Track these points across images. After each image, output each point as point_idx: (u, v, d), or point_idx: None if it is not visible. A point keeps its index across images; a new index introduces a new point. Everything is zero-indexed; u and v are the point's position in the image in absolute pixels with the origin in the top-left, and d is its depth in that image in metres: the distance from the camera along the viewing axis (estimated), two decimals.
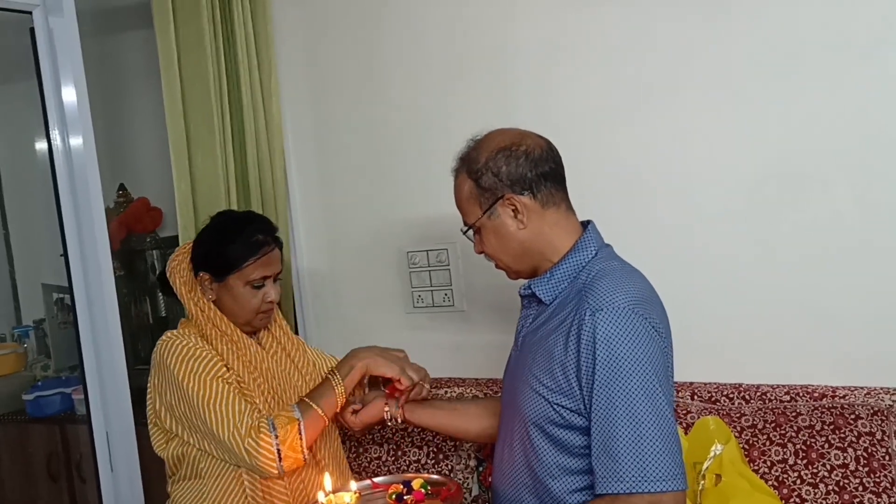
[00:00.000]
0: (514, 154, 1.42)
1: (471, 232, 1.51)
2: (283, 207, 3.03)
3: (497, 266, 1.52)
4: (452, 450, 2.72)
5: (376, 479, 1.84)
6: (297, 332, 3.19)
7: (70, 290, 2.52)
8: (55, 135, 2.46)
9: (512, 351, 1.56)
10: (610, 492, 1.26)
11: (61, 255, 3.18)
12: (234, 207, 2.77)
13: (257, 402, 1.76)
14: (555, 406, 1.34)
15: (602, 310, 1.30)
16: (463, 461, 2.68)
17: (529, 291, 1.48)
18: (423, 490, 1.68)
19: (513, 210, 1.42)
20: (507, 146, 1.43)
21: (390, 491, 1.71)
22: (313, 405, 1.70)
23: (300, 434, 1.65)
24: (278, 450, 1.63)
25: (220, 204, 2.67)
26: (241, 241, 1.80)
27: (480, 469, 2.66)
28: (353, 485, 1.77)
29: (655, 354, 1.30)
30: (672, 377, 1.39)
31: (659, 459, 1.24)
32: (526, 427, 1.39)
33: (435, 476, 1.82)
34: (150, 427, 1.83)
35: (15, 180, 4.04)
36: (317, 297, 3.28)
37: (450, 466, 2.66)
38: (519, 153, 1.42)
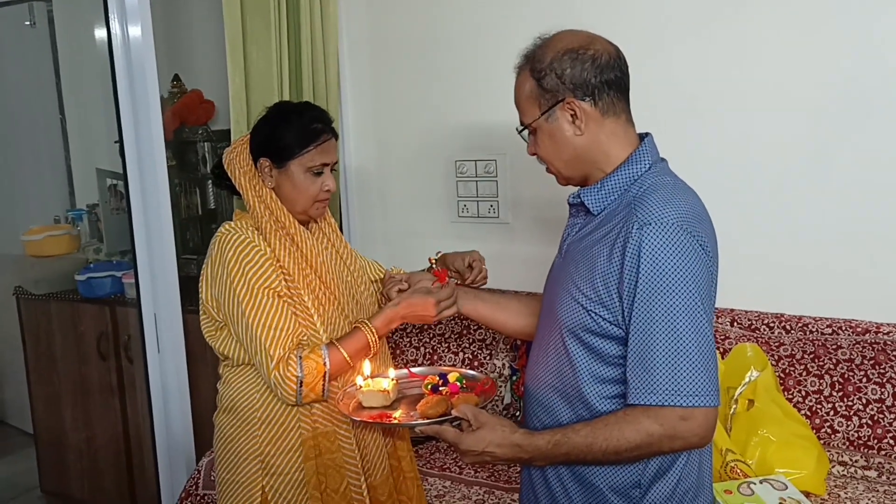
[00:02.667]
0: (580, 57, 1.38)
1: (526, 132, 1.48)
2: (335, 107, 3.02)
3: (548, 170, 1.50)
4: (488, 357, 2.77)
5: (413, 370, 1.88)
6: (341, 230, 3.23)
7: (124, 176, 2.57)
8: (114, 24, 2.47)
9: (555, 258, 1.56)
10: (642, 402, 1.27)
11: (116, 142, 3.24)
12: None
13: (305, 298, 1.77)
14: (592, 315, 1.34)
15: (650, 224, 1.29)
16: (497, 370, 2.73)
17: (578, 200, 1.45)
18: (458, 383, 1.72)
19: (571, 115, 1.39)
20: (575, 48, 1.38)
21: (426, 381, 1.75)
22: (343, 353, 1.72)
23: (324, 379, 1.69)
24: (300, 386, 1.67)
25: (273, 99, 2.67)
26: (301, 126, 1.79)
27: (514, 379, 2.71)
28: (392, 372, 1.81)
29: (700, 273, 1.28)
30: (714, 299, 1.38)
31: (694, 375, 1.25)
32: (562, 333, 1.40)
33: (471, 371, 1.85)
34: (201, 315, 1.86)
35: (73, 67, 4.06)
36: (362, 200, 3.30)
37: (484, 375, 2.72)
38: (586, 57, 1.38)
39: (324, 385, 1.69)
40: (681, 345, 1.25)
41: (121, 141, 2.55)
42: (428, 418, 1.55)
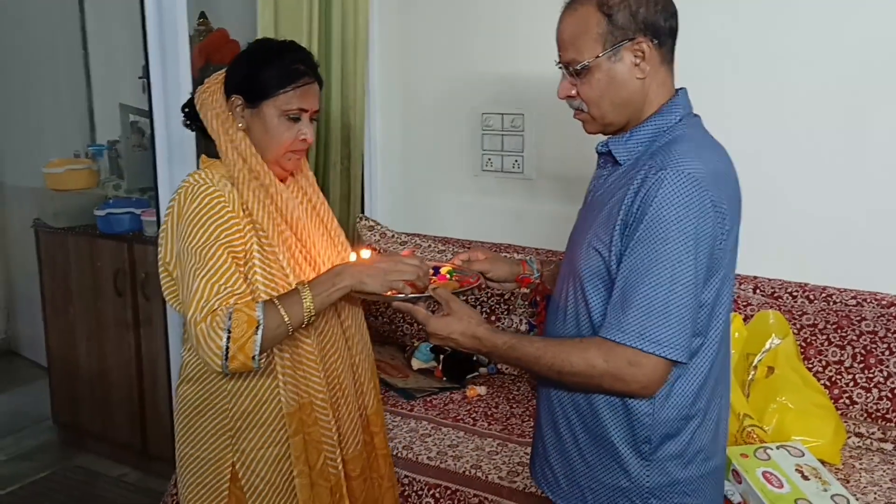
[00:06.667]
0: None
1: (567, 71, 1.43)
2: (363, 50, 2.98)
3: (579, 114, 1.45)
4: (505, 313, 2.77)
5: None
6: (363, 187, 3.20)
7: (149, 113, 2.55)
8: None
9: (580, 210, 1.54)
10: (607, 336, 1.30)
11: (140, 78, 3.21)
12: (315, 45, 2.73)
13: (280, 258, 1.60)
14: (608, 260, 1.34)
15: (665, 171, 1.28)
16: (514, 326, 2.73)
17: (606, 149, 1.44)
18: (448, 276, 1.71)
19: (639, 56, 1.36)
20: None
21: None
22: (281, 310, 1.49)
23: (256, 337, 1.46)
24: (227, 347, 1.44)
25: (302, 39, 2.64)
26: (280, 65, 1.61)
27: (532, 334, 2.71)
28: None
29: (703, 229, 1.27)
30: (730, 261, 1.36)
31: (662, 323, 1.26)
32: (581, 281, 1.40)
33: (465, 270, 1.74)
34: (161, 274, 1.65)
35: (97, 2, 4.03)
36: (385, 149, 3.28)
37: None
38: None
39: (255, 345, 1.46)
40: (658, 293, 1.26)
41: (147, 77, 2.52)
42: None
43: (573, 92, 1.41)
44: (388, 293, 1.56)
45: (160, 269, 1.65)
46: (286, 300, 1.52)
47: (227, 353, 1.45)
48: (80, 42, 4.09)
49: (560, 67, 1.42)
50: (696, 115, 1.44)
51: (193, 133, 2.48)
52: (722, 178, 1.33)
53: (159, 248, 1.63)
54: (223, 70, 1.68)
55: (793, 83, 2.43)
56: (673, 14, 1.38)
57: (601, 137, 1.47)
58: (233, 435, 1.63)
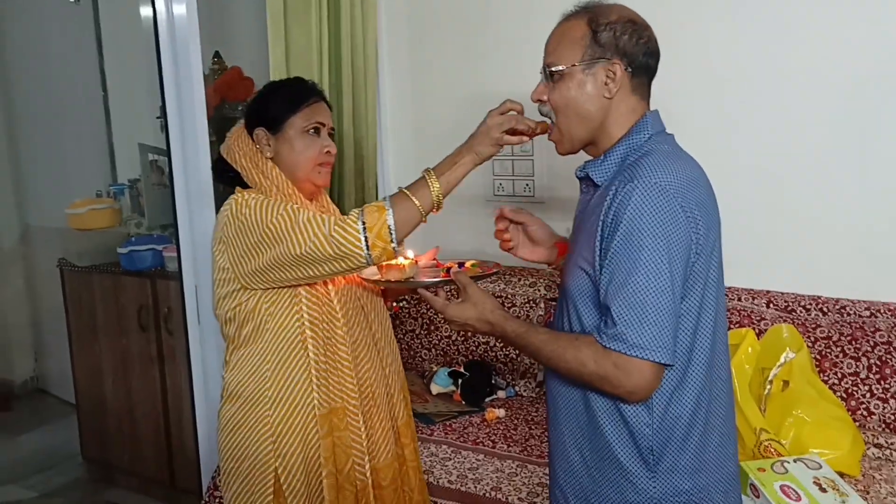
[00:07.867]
0: (638, 31, 1.43)
1: (547, 74, 1.49)
2: (373, 85, 3.05)
3: (552, 135, 1.52)
4: None
5: (441, 259, 1.88)
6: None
7: (167, 152, 2.62)
8: (160, 1, 2.51)
9: (570, 236, 1.59)
10: (598, 340, 1.35)
11: (158, 118, 3.29)
12: (326, 77, 2.80)
13: None
14: (594, 279, 1.39)
15: (634, 182, 1.33)
16: None
17: (584, 173, 1.50)
18: (471, 268, 1.77)
19: (609, 76, 1.42)
20: (638, 22, 1.45)
21: (446, 266, 1.80)
22: (408, 193, 1.62)
23: (388, 221, 1.59)
24: (365, 236, 1.58)
25: (313, 72, 2.71)
26: (291, 90, 1.79)
27: None
28: (410, 253, 1.79)
29: (675, 235, 1.32)
30: (708, 265, 1.39)
31: (642, 328, 1.30)
32: (573, 303, 1.45)
33: (489, 265, 1.82)
34: (214, 287, 1.76)
35: (115, 44, 4.14)
36: (399, 178, 3.33)
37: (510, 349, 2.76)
38: (643, 34, 1.44)
39: (390, 228, 1.59)
40: (636, 299, 1.30)
41: (164, 117, 2.59)
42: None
43: (545, 97, 1.48)
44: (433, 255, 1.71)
45: (214, 284, 1.75)
46: (413, 187, 1.65)
47: (368, 242, 1.58)
48: (99, 84, 4.19)
49: (541, 72, 1.49)
50: (668, 134, 1.50)
51: (210, 169, 2.59)
52: (691, 185, 1.38)
53: (214, 263, 1.73)
54: (240, 123, 1.82)
55: (801, 93, 2.46)
56: (652, 53, 1.45)
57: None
58: (275, 440, 1.71)
